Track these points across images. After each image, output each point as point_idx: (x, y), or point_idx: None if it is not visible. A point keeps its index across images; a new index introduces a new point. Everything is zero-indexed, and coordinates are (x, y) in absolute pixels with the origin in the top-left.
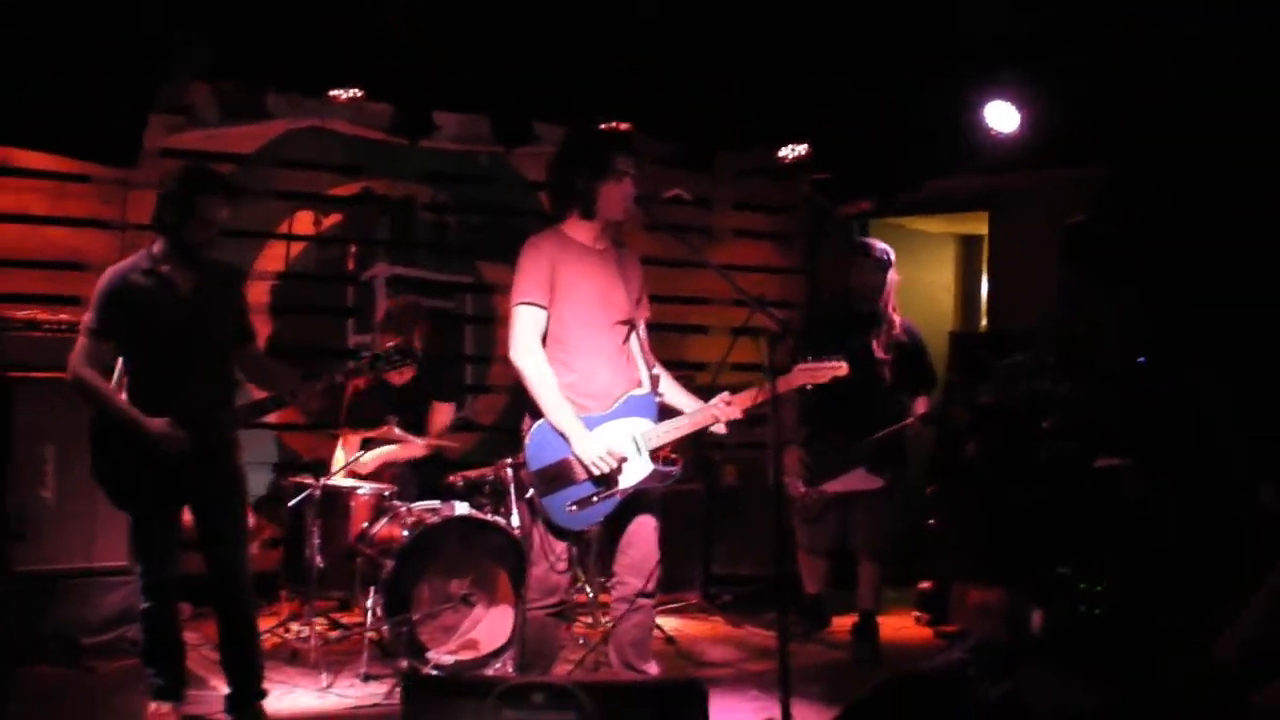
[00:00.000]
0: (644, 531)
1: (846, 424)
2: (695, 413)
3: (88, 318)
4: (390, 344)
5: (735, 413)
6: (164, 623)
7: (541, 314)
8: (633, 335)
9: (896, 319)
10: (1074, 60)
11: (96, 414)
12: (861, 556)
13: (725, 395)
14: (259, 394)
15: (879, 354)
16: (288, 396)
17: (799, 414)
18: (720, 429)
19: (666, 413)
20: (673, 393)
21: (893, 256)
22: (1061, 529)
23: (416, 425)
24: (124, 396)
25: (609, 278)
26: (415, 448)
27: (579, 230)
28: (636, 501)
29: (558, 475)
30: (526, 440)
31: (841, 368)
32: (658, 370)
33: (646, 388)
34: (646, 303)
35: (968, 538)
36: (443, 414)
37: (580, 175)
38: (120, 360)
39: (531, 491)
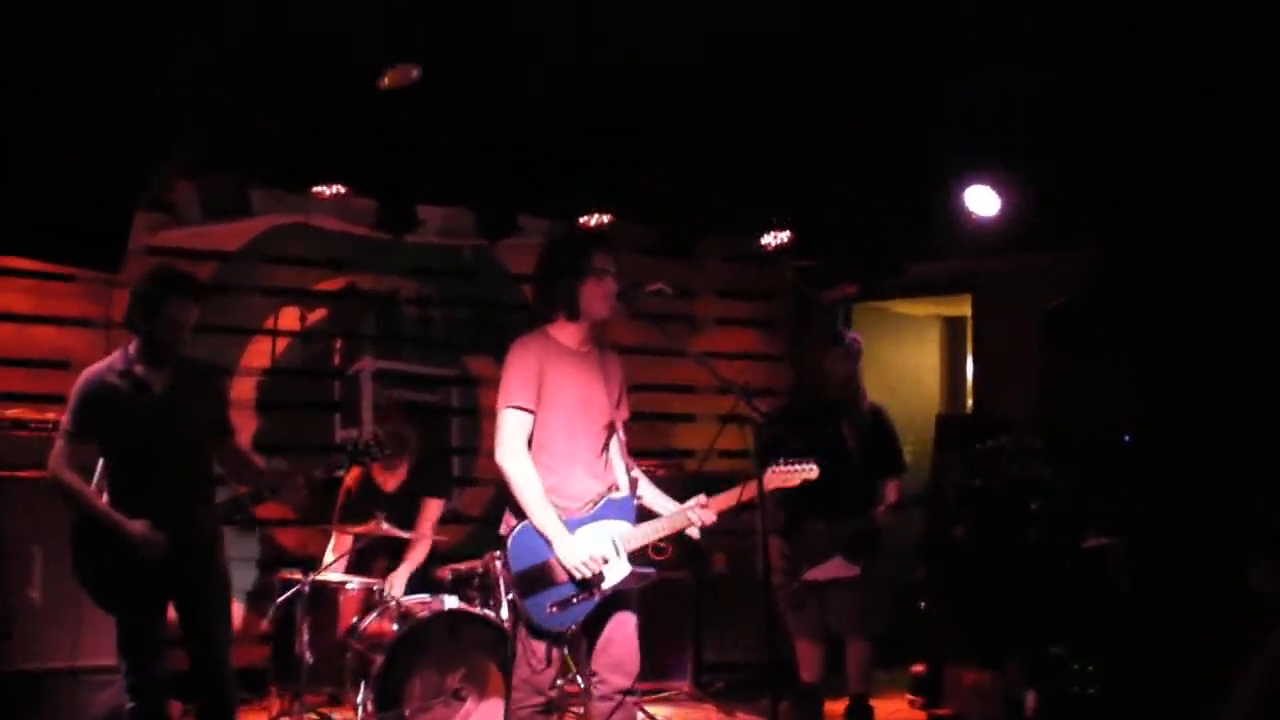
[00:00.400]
0: (623, 629)
1: (822, 511)
2: (672, 516)
3: (65, 420)
4: (381, 432)
5: (710, 516)
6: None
7: (529, 418)
8: (612, 437)
9: (865, 404)
10: (1053, 144)
11: (77, 516)
12: (848, 639)
13: (701, 498)
14: (241, 489)
15: (850, 441)
16: (267, 492)
17: (775, 502)
18: (694, 532)
19: (644, 514)
20: (650, 494)
21: (861, 345)
22: (1052, 610)
23: (407, 525)
24: (105, 497)
25: (592, 382)
26: (421, 550)
27: (564, 333)
28: (614, 600)
29: (539, 577)
30: (509, 542)
31: (812, 471)
32: (636, 472)
33: (625, 490)
34: (626, 403)
35: (959, 619)
36: (433, 509)
37: (561, 278)
38: (100, 460)
39: (512, 594)
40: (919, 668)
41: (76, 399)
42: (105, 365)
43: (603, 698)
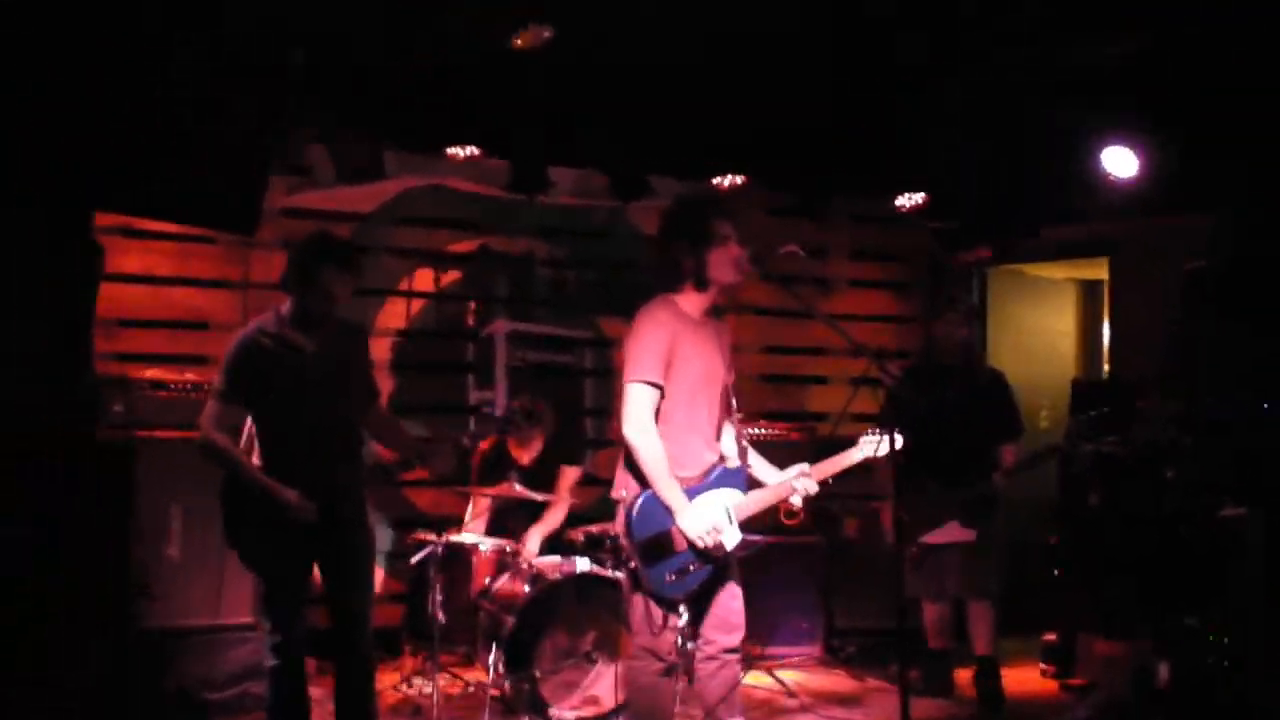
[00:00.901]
0: (729, 592)
1: (938, 475)
2: (777, 485)
3: (216, 381)
4: (516, 404)
5: (813, 485)
6: (291, 680)
7: (657, 393)
8: (727, 405)
9: (983, 368)
10: (1194, 103)
11: (227, 477)
12: (969, 601)
13: (804, 467)
14: (383, 451)
15: (966, 404)
16: (416, 459)
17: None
18: (796, 500)
19: (751, 483)
20: (757, 464)
21: (973, 307)
22: (1186, 580)
23: (544, 488)
24: (254, 459)
25: (711, 352)
26: (558, 513)
27: (690, 302)
28: (720, 567)
29: (661, 546)
30: (633, 511)
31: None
32: (745, 442)
33: (736, 460)
34: (732, 368)
35: (1092, 588)
36: (569, 476)
37: (685, 249)
38: (249, 421)
39: (633, 562)
40: (1051, 636)
41: (229, 360)
42: (256, 326)
43: (708, 658)
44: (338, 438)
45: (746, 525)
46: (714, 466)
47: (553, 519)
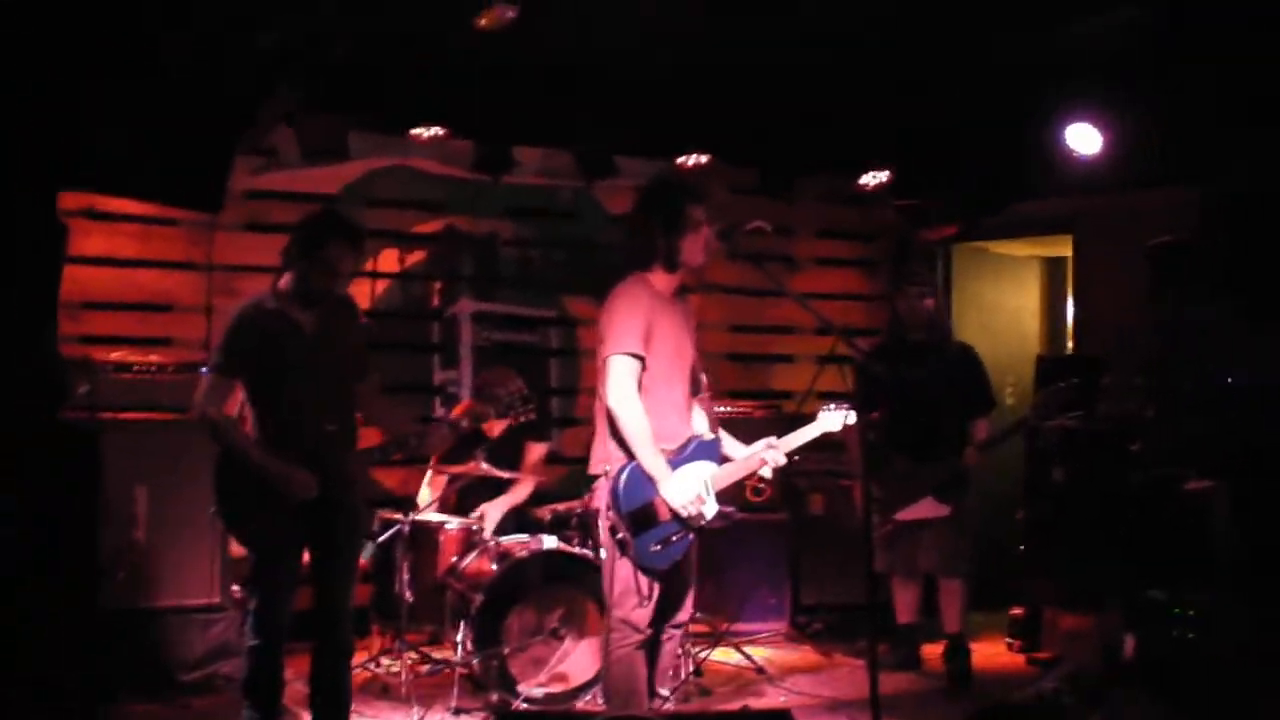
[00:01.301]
0: (686, 566)
1: (911, 451)
2: (746, 458)
3: (213, 354)
4: (516, 390)
5: (779, 457)
6: (271, 659)
7: (638, 364)
8: (698, 379)
9: (951, 343)
10: (1155, 80)
11: (222, 453)
12: (940, 579)
13: (771, 439)
14: (372, 431)
15: (936, 380)
16: (413, 440)
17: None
18: (766, 472)
19: (721, 458)
20: (725, 439)
21: (936, 282)
22: (1151, 553)
23: (507, 465)
24: (250, 434)
25: (681, 328)
26: (523, 489)
27: (661, 281)
28: None
29: (647, 516)
30: (616, 482)
31: (850, 417)
32: (714, 416)
33: (709, 432)
34: (697, 346)
35: (1058, 563)
36: (536, 452)
37: (658, 231)
38: (243, 397)
39: (621, 533)
40: (1017, 611)
41: (226, 333)
42: (254, 301)
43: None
44: (335, 416)
45: (719, 498)
46: (691, 439)
47: (517, 494)
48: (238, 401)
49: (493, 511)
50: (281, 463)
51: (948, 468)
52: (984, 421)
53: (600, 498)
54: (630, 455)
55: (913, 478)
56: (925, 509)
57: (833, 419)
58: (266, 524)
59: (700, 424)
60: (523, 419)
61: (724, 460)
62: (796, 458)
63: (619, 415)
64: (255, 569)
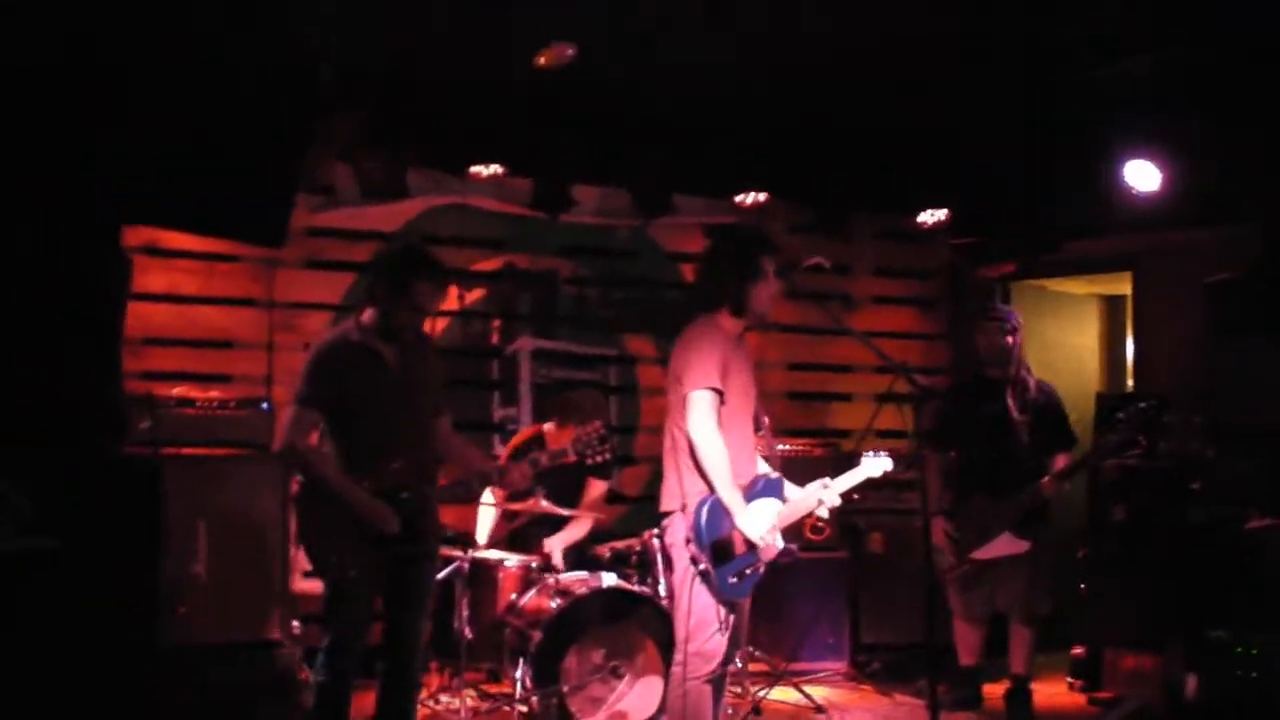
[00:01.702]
0: (744, 607)
1: (988, 489)
2: (805, 496)
3: (300, 386)
4: (594, 429)
5: (834, 498)
6: (339, 694)
7: (719, 399)
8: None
9: (1031, 380)
10: (1214, 117)
11: (305, 484)
12: (1013, 620)
13: (825, 480)
14: (452, 468)
15: (1014, 416)
16: (495, 476)
17: (943, 482)
18: (822, 512)
19: None
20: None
21: (1018, 319)
22: (1214, 593)
23: (567, 500)
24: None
25: (749, 370)
26: (582, 526)
27: (729, 323)
28: None
29: (724, 549)
30: (698, 515)
31: (889, 464)
32: (779, 448)
33: (775, 471)
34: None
35: (1120, 602)
36: (597, 490)
37: (730, 278)
38: (322, 429)
39: (703, 564)
40: (1079, 650)
41: (311, 364)
42: (340, 334)
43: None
44: (417, 450)
45: (782, 536)
46: (759, 477)
47: (576, 530)
48: (317, 434)
49: (555, 545)
50: (368, 496)
51: (1026, 500)
52: (1064, 456)
53: (676, 531)
54: (710, 489)
55: (990, 514)
56: (1003, 546)
57: (874, 465)
58: (349, 557)
59: (762, 464)
60: (598, 460)
61: (785, 499)
62: (856, 496)
63: (702, 448)
64: (331, 604)
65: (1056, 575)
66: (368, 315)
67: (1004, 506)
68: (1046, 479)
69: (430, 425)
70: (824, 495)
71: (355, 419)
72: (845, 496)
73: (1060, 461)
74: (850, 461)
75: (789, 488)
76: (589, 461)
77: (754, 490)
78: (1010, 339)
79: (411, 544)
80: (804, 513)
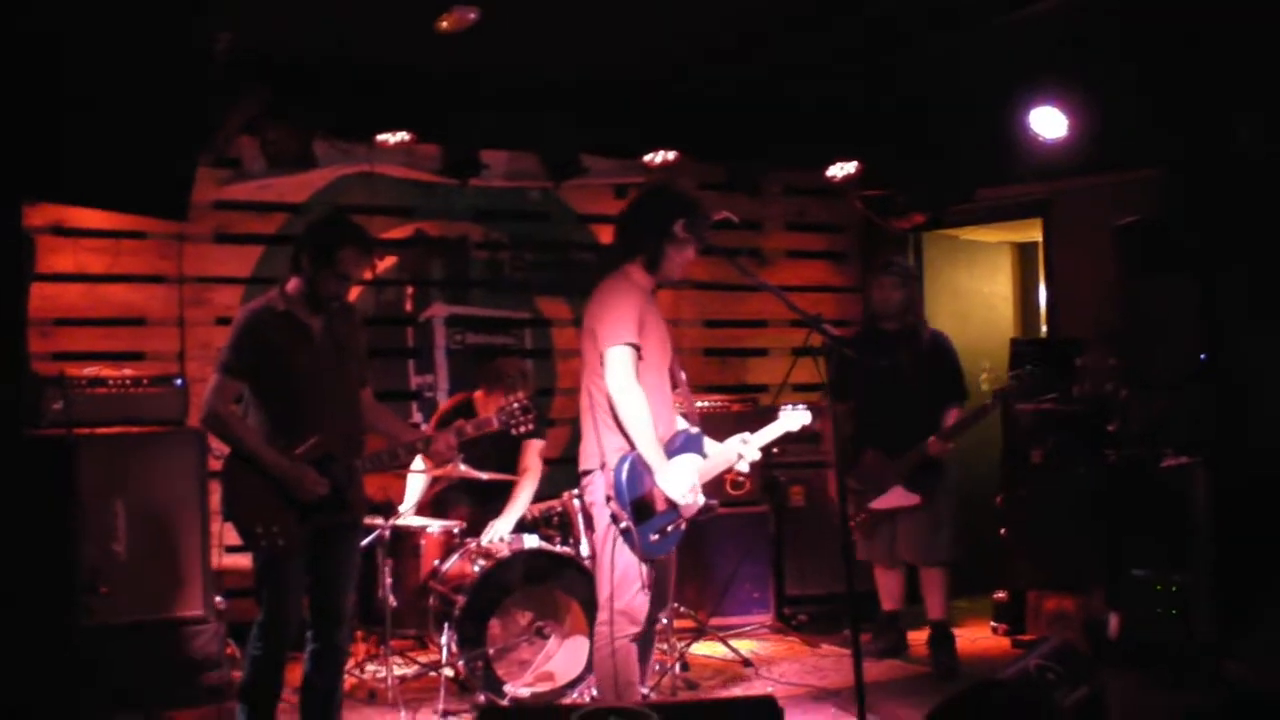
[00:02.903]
0: (669, 564)
1: (882, 442)
2: (723, 450)
3: (222, 354)
4: (517, 400)
5: (753, 452)
6: (274, 667)
7: (636, 354)
8: (679, 374)
9: (925, 332)
10: (1120, 62)
11: (231, 454)
12: (921, 568)
13: (744, 435)
14: (373, 439)
15: (907, 370)
16: (420, 445)
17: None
18: (744, 467)
19: None
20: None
21: (913, 270)
22: (1133, 531)
23: (506, 465)
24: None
25: (663, 323)
26: (526, 493)
27: (641, 276)
28: None
29: (645, 506)
30: (618, 472)
31: (806, 417)
32: (699, 405)
33: (695, 426)
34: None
35: (1040, 546)
36: (533, 449)
37: (649, 236)
38: (245, 400)
39: (624, 522)
40: (1001, 595)
41: (235, 333)
42: (263, 303)
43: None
44: (342, 419)
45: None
46: (679, 433)
47: (521, 500)
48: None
49: (502, 525)
50: (289, 461)
51: (914, 457)
52: (955, 410)
53: (596, 490)
54: (629, 446)
55: (883, 467)
56: (896, 498)
57: (793, 419)
58: (277, 528)
59: (680, 420)
60: (523, 429)
61: (706, 455)
62: (775, 450)
63: (621, 404)
64: (262, 577)
65: (958, 521)
66: (293, 285)
67: (895, 460)
68: (932, 438)
69: (356, 394)
70: (743, 450)
71: (279, 389)
72: (764, 451)
73: (951, 415)
74: (768, 415)
75: (709, 443)
76: (514, 431)
77: (674, 446)
78: (903, 292)
79: (339, 514)
80: (724, 468)
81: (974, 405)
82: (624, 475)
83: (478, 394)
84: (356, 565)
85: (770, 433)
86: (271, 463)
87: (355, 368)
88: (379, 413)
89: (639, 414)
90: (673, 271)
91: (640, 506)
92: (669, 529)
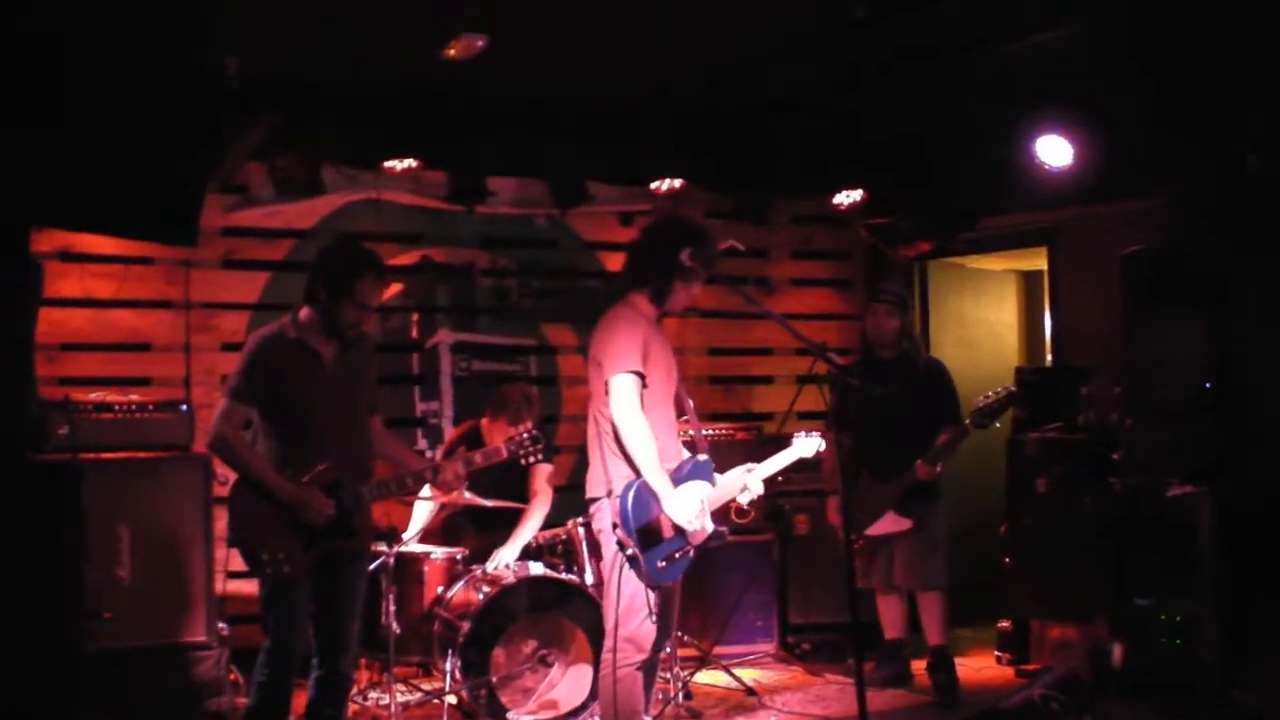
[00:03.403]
0: (674, 593)
1: (875, 468)
2: (730, 479)
3: (232, 379)
4: (525, 430)
5: (756, 481)
6: (280, 694)
7: (641, 381)
8: (686, 402)
9: (919, 358)
10: (1126, 91)
11: (238, 480)
12: (917, 593)
13: (749, 465)
14: (382, 467)
15: (901, 397)
16: (429, 474)
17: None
18: (743, 499)
19: None
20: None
21: (908, 298)
22: (1138, 561)
23: (516, 494)
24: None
25: (668, 352)
26: (535, 519)
27: (646, 305)
28: None
29: (652, 532)
30: (624, 500)
31: (821, 444)
32: (706, 433)
33: (705, 454)
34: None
35: (1044, 575)
36: (541, 474)
37: (658, 265)
38: (254, 427)
39: (630, 549)
40: (1005, 624)
41: (246, 359)
42: (277, 329)
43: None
44: (351, 446)
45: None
46: (687, 459)
47: (530, 526)
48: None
49: (508, 551)
50: (298, 488)
51: (904, 480)
52: (946, 434)
53: (603, 518)
54: (635, 473)
55: (874, 493)
56: (888, 524)
57: (806, 445)
58: (282, 552)
59: (685, 448)
60: (532, 460)
61: (714, 482)
62: (780, 478)
63: (626, 431)
64: (268, 604)
65: (955, 547)
66: (305, 312)
67: (886, 486)
68: (919, 462)
69: (365, 422)
70: (748, 480)
71: (288, 416)
72: (771, 478)
73: (941, 438)
74: (773, 443)
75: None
76: (522, 461)
77: (681, 473)
78: (899, 320)
79: (345, 540)
80: (730, 496)
81: (981, 434)
82: (629, 502)
83: (484, 420)
84: (362, 592)
85: (783, 459)
86: (278, 487)
87: (366, 396)
88: (388, 440)
89: (643, 441)
90: (677, 303)
91: (646, 533)
92: (677, 556)
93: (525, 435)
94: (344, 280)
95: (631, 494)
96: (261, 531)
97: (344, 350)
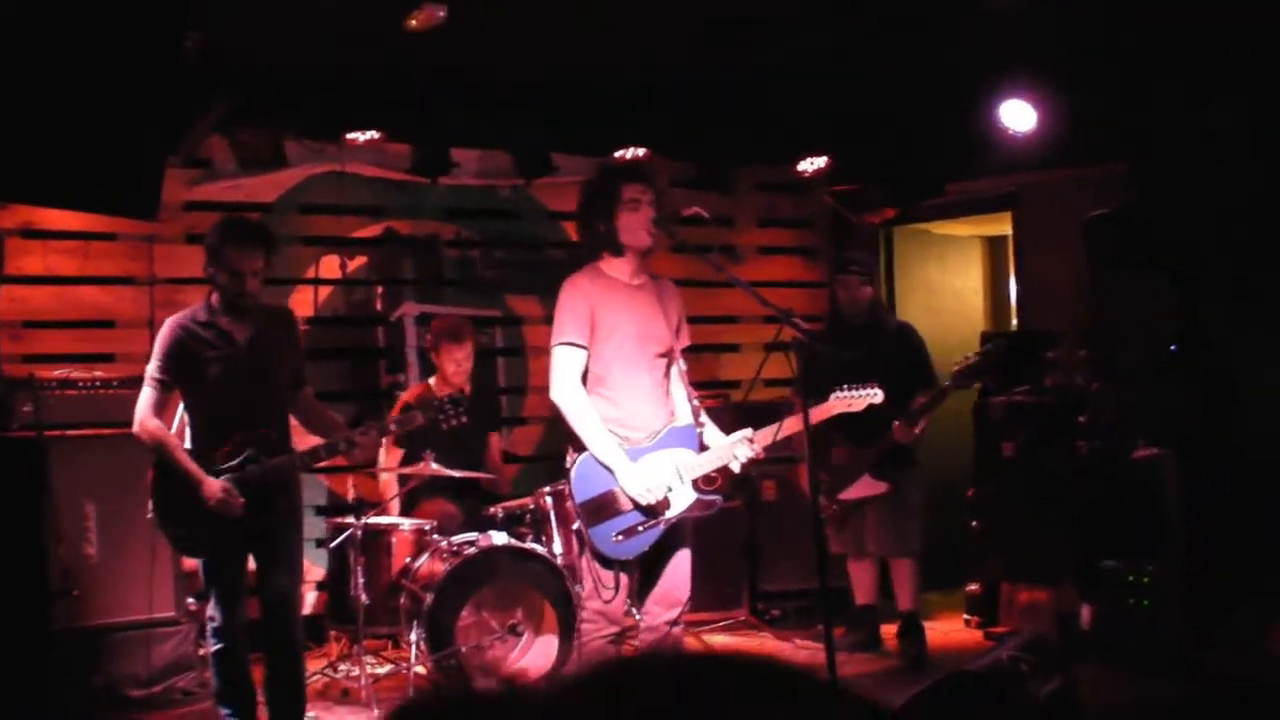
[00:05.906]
0: (677, 563)
1: (850, 434)
2: (722, 447)
3: (151, 367)
4: (446, 396)
5: (757, 450)
6: (237, 663)
7: (581, 353)
8: (673, 366)
9: (890, 323)
10: (1089, 55)
11: (156, 461)
12: (890, 560)
13: (748, 432)
14: (309, 438)
15: (873, 362)
16: (343, 445)
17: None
18: (734, 465)
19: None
20: (709, 428)
21: (871, 265)
22: (1105, 523)
23: (464, 458)
24: (186, 444)
25: (648, 312)
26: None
27: (614, 267)
28: (672, 532)
29: (603, 506)
30: (571, 473)
31: (877, 395)
32: (695, 401)
33: (688, 419)
34: (686, 331)
35: (1012, 538)
36: (495, 444)
37: (598, 216)
38: (181, 407)
39: (578, 524)
40: (973, 588)
41: (161, 345)
42: (189, 314)
43: (648, 629)
44: (270, 425)
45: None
46: (666, 426)
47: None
48: (175, 412)
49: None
50: (196, 469)
51: (881, 445)
52: (921, 397)
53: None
54: (584, 446)
55: (850, 458)
56: (863, 488)
57: (856, 398)
58: (203, 533)
59: (682, 409)
60: (454, 423)
61: (703, 448)
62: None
63: (561, 406)
64: (205, 579)
65: (926, 512)
66: (214, 296)
67: (862, 450)
68: (897, 424)
69: (282, 397)
70: (738, 451)
71: (204, 398)
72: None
73: (916, 401)
74: (745, 412)
75: (714, 436)
76: (443, 426)
77: (655, 441)
78: (870, 289)
79: (261, 516)
80: (719, 464)
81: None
82: (575, 477)
83: (433, 380)
84: (297, 560)
85: (827, 411)
86: (190, 476)
87: (284, 371)
88: (314, 411)
89: (581, 413)
90: (633, 238)
91: (596, 507)
92: (639, 529)
93: (444, 400)
94: (215, 250)
95: (578, 467)
96: (180, 513)
97: (259, 327)
